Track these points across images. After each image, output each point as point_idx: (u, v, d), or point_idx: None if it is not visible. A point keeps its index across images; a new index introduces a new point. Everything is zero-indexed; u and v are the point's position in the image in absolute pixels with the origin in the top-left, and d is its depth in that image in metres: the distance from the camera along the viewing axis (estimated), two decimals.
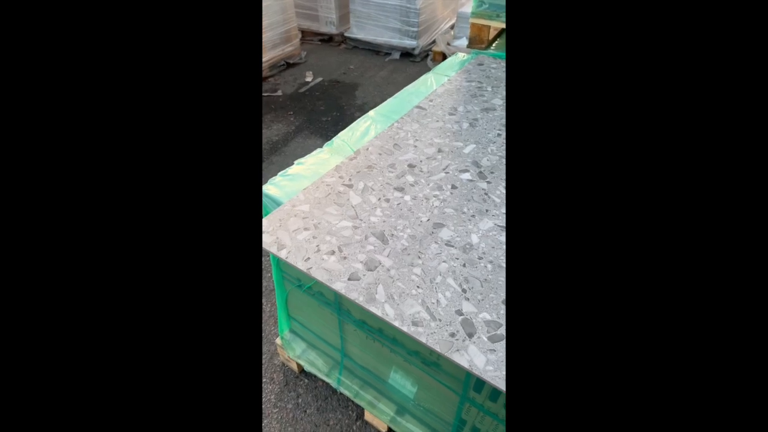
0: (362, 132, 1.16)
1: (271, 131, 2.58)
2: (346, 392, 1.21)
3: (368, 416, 1.20)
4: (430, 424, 1.05)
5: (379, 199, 0.91)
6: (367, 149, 1.07)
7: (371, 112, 1.27)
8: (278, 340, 1.33)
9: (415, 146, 1.09)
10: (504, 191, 0.95)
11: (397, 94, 1.36)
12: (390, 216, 0.87)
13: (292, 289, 1.08)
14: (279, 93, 3.01)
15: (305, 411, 1.31)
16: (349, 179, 0.97)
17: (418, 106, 1.26)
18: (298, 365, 1.34)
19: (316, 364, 1.26)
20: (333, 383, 1.23)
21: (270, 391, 1.36)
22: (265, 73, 3.20)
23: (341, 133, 1.15)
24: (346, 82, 3.14)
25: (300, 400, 1.34)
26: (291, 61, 3.38)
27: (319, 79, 3.19)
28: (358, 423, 1.26)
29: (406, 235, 0.82)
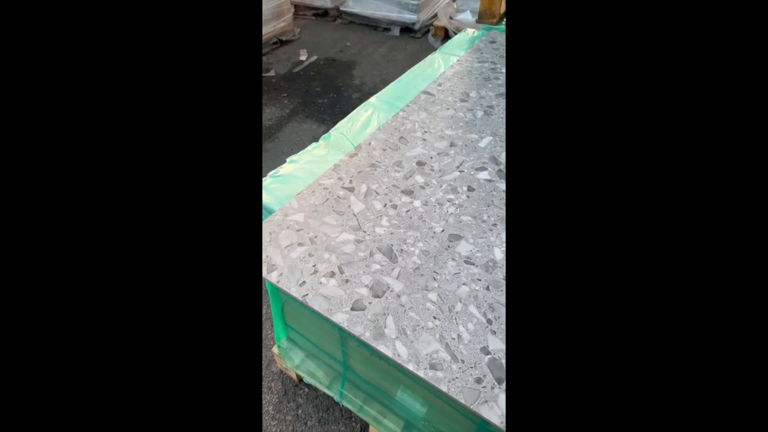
0: (363, 123, 1.02)
1: (263, 115, 2.42)
2: (349, 406, 1.12)
3: (373, 430, 1.12)
4: None
5: (385, 205, 0.79)
6: (369, 144, 0.94)
7: (373, 99, 1.13)
8: (275, 348, 1.23)
9: (424, 139, 0.95)
10: None
11: (400, 78, 1.21)
12: (398, 226, 0.75)
13: (287, 299, 0.97)
14: (272, 73, 2.83)
15: (306, 423, 1.22)
16: (350, 181, 0.84)
17: (425, 92, 1.12)
18: (297, 375, 1.25)
19: (316, 376, 1.17)
20: (335, 396, 1.14)
21: (268, 401, 1.27)
22: None
23: (339, 124, 1.02)
24: (343, 60, 2.96)
25: (300, 411, 1.25)
26: (284, 38, 3.18)
27: (314, 58, 3.00)
28: None
29: (418, 251, 0.70)
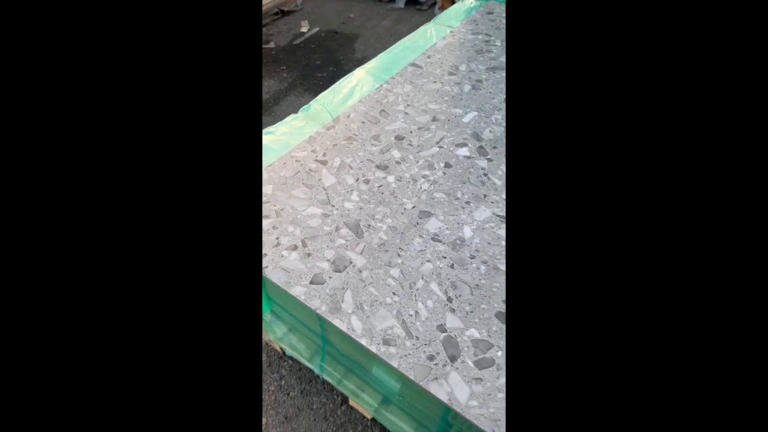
0: (345, 95, 0.99)
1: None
2: (329, 379, 1.13)
3: (353, 402, 1.13)
4: (416, 418, 0.97)
5: (357, 179, 0.77)
6: (349, 116, 0.91)
7: (358, 70, 1.09)
8: None
9: (406, 113, 0.92)
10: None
11: (390, 49, 1.17)
12: (368, 201, 0.73)
13: None
14: (272, 45, 2.77)
15: (288, 394, 1.25)
16: (324, 154, 0.82)
17: (413, 64, 1.08)
18: (280, 347, 1.26)
19: (297, 349, 1.18)
20: (315, 369, 1.15)
21: None
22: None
23: (321, 96, 0.99)
24: (345, 32, 2.88)
25: (283, 383, 1.27)
26: (285, 9, 3.09)
27: (316, 29, 2.92)
28: (342, 408, 1.20)
29: (385, 227, 0.69)
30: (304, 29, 2.95)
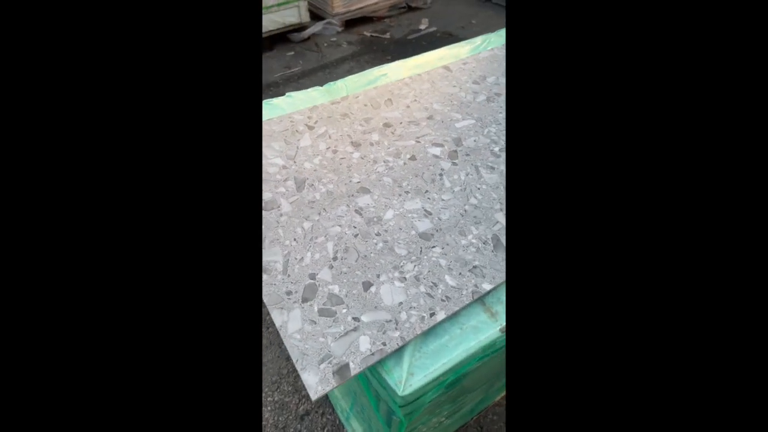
0: (370, 80, 1.10)
1: (366, 67, 2.59)
2: None
3: None
4: None
5: (328, 148, 0.88)
6: (357, 97, 1.02)
7: (401, 61, 1.18)
8: None
9: (408, 106, 1.00)
10: (464, 178, 0.82)
11: (442, 48, 1.23)
12: (325, 167, 0.84)
13: None
14: (387, 36, 2.96)
15: None
16: (316, 122, 0.94)
17: (444, 66, 1.13)
18: None
19: None
20: None
21: None
22: (382, 12, 3.15)
23: (350, 77, 1.11)
24: (460, 36, 2.93)
25: None
26: (413, 5, 3.26)
27: (433, 29, 3.03)
28: None
29: (324, 189, 0.79)
30: (422, 26, 3.09)
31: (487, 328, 0.62)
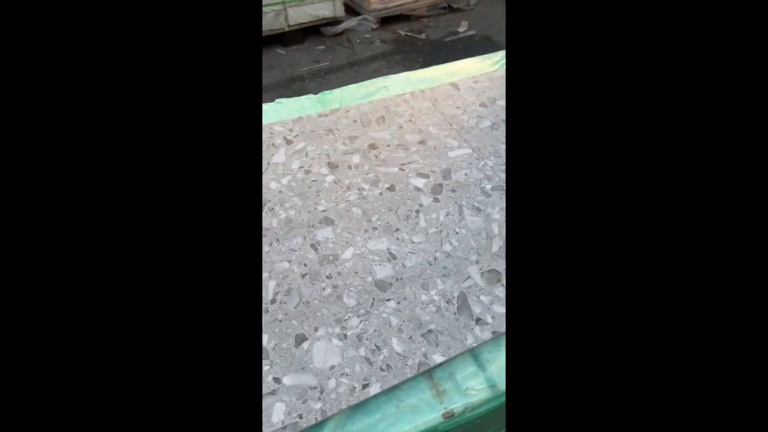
0: (369, 91, 1.01)
1: (390, 72, 2.50)
2: None
3: None
4: None
5: (302, 167, 0.80)
6: (348, 111, 0.93)
7: (406, 74, 1.09)
8: None
9: (401, 127, 0.90)
10: (443, 218, 0.72)
11: (450, 63, 1.12)
12: (292, 189, 0.76)
13: None
14: (422, 36, 2.85)
15: None
16: (296, 135, 0.87)
17: (452, 83, 1.02)
18: None
19: None
20: None
21: None
22: (421, 12, 3.04)
23: (348, 87, 1.03)
24: (499, 42, 2.77)
25: None
26: (455, 6, 3.12)
27: (472, 32, 2.89)
28: None
29: (284, 216, 0.72)
30: (461, 29, 2.94)
31: (429, 409, 0.53)
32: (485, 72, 1.07)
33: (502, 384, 0.54)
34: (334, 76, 2.51)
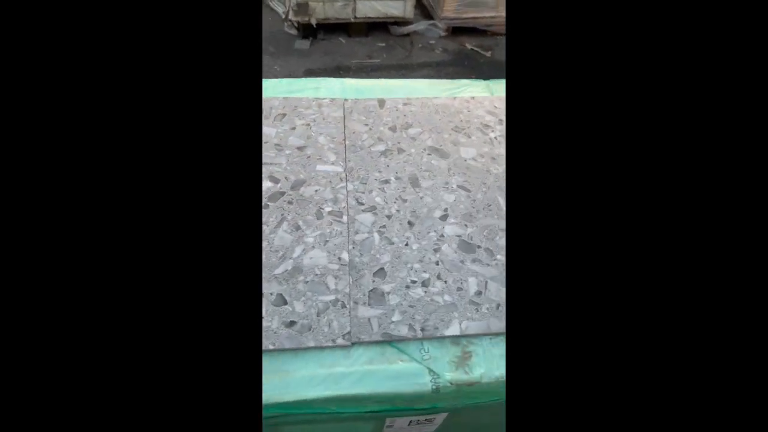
0: (382, 90, 0.98)
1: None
2: None
3: None
4: None
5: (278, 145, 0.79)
6: (350, 105, 0.91)
7: (433, 81, 1.06)
8: None
9: (393, 134, 0.86)
10: (392, 259, 0.68)
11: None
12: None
13: None
14: (488, 54, 2.77)
15: None
16: (285, 114, 0.86)
17: (473, 97, 0.97)
18: None
19: None
20: None
21: None
22: (497, 29, 2.95)
23: (364, 80, 1.01)
24: None
25: None
26: None
27: None
28: None
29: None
30: None
31: None
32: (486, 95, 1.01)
33: None
34: (378, 74, 2.50)
